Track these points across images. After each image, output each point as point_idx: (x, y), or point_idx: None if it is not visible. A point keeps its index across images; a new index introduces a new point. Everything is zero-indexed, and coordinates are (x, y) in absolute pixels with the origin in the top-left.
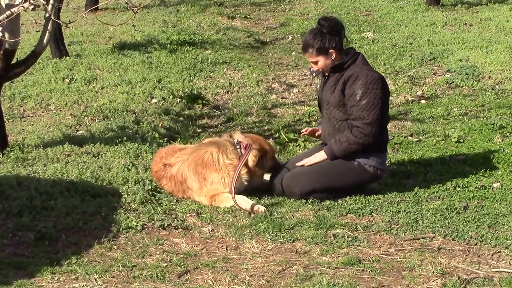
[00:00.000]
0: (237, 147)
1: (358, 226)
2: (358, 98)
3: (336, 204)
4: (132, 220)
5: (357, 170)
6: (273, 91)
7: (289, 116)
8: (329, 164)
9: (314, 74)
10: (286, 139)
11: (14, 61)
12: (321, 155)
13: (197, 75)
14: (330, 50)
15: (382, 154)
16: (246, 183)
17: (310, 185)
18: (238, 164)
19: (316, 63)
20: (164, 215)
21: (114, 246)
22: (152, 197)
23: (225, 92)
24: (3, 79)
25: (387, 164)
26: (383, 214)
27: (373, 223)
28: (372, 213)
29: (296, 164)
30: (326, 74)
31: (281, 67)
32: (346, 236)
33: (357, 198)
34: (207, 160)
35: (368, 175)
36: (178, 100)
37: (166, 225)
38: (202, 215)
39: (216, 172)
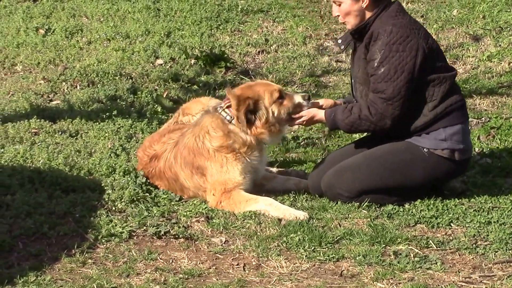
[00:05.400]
0: (219, 111)
1: (430, 241)
2: (376, 64)
3: (402, 210)
4: (116, 225)
5: (426, 160)
6: (326, 51)
7: (345, 86)
8: (387, 153)
9: (341, 46)
10: None
11: None
12: (319, 116)
13: (221, 27)
14: None
15: (459, 127)
16: (255, 163)
17: (361, 184)
18: (229, 136)
19: (339, 4)
20: (160, 219)
21: (89, 260)
22: (147, 194)
23: (258, 52)
24: None
25: (476, 155)
26: (467, 225)
27: (451, 238)
28: (451, 224)
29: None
30: (354, 42)
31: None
32: (412, 255)
33: (431, 202)
34: (193, 147)
35: (444, 164)
36: (193, 61)
37: (162, 232)
38: (214, 221)
39: (209, 161)
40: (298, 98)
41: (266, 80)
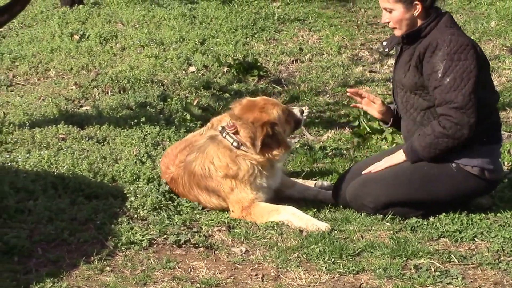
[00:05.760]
0: (224, 135)
1: (452, 255)
2: (440, 75)
3: (426, 223)
4: (136, 233)
5: (455, 175)
6: (360, 61)
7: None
8: (414, 166)
9: (386, 48)
10: (368, 129)
11: None
12: (397, 157)
13: (256, 36)
14: (416, 2)
15: (492, 148)
16: (265, 184)
17: (387, 196)
18: (235, 163)
19: (390, 11)
20: (182, 228)
21: (107, 268)
22: (169, 202)
23: (292, 61)
24: None
25: (504, 167)
26: (491, 240)
27: (474, 253)
28: (475, 238)
29: (363, 173)
30: (400, 45)
31: (375, 28)
32: (433, 269)
33: (456, 216)
34: (202, 174)
35: (472, 181)
36: (225, 69)
37: (182, 241)
38: (235, 230)
39: (219, 185)
40: (298, 114)
41: (264, 96)
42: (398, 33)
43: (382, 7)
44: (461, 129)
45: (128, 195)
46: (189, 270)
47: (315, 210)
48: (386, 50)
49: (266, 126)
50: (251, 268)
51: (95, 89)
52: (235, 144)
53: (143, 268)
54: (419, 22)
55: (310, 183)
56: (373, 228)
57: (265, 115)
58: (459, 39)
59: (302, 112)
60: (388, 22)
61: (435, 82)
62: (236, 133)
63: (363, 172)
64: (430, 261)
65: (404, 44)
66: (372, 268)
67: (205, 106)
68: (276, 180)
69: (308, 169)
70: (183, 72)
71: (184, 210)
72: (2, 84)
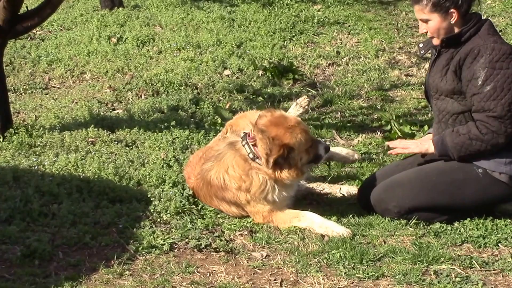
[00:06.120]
0: (243, 143)
1: (474, 261)
2: (480, 82)
3: (450, 228)
4: (158, 237)
5: (481, 181)
6: (397, 65)
7: (412, 101)
8: (439, 171)
9: (422, 50)
10: (399, 133)
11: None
12: (426, 146)
13: (294, 39)
14: (452, 10)
15: None
16: (278, 198)
17: (412, 201)
18: (248, 176)
19: (426, 21)
20: (203, 232)
21: (127, 272)
22: (193, 206)
23: (329, 65)
24: (8, 34)
25: None
26: None
27: (496, 259)
28: (499, 244)
29: (390, 152)
30: (437, 48)
31: (415, 31)
32: (453, 275)
33: (481, 221)
34: (219, 185)
35: (499, 187)
36: (261, 73)
37: (203, 245)
38: (257, 235)
39: (235, 197)
40: (321, 150)
41: (289, 115)
42: (436, 41)
43: (418, 18)
44: (497, 137)
45: (152, 199)
46: (208, 275)
47: (339, 214)
48: (422, 52)
49: (284, 147)
50: (270, 273)
51: (129, 92)
52: (251, 155)
53: (163, 272)
54: (456, 29)
55: (336, 187)
56: (396, 233)
57: (288, 136)
58: (502, 48)
59: (326, 150)
60: (426, 32)
61: (475, 89)
62: (255, 145)
63: (390, 152)
64: (451, 267)
65: (442, 47)
66: (392, 273)
67: (237, 109)
68: (292, 191)
69: (336, 173)
70: (218, 75)
71: (207, 214)
72: (38, 87)
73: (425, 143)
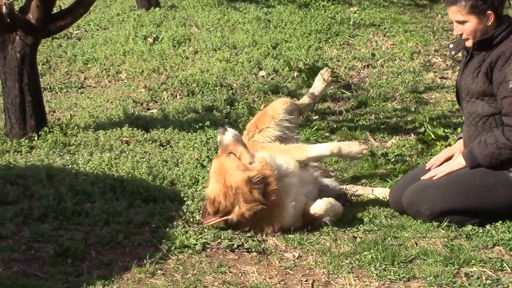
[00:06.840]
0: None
1: (505, 264)
2: (510, 86)
3: (482, 231)
4: (190, 237)
5: (511, 185)
6: (432, 67)
7: (446, 104)
8: (471, 174)
9: (452, 51)
10: (433, 135)
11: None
12: (457, 162)
13: (330, 40)
14: (489, 11)
15: None
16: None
17: (443, 204)
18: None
19: (462, 23)
20: (236, 232)
21: (159, 271)
22: None
23: (364, 66)
24: (40, 33)
25: None
26: None
27: None
28: None
29: (422, 178)
30: (469, 50)
31: (450, 34)
32: (484, 277)
33: None
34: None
35: None
36: (296, 74)
37: (235, 246)
38: (290, 235)
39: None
40: None
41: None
42: (469, 43)
43: (454, 19)
44: None
45: (185, 199)
46: (240, 275)
47: (371, 216)
48: (453, 53)
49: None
50: (302, 274)
51: (164, 92)
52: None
53: (195, 272)
54: (491, 30)
55: (369, 189)
56: (427, 235)
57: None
58: None
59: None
60: (461, 34)
61: (505, 92)
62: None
63: (422, 178)
64: (482, 269)
65: (474, 50)
66: (423, 275)
67: None
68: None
69: (369, 174)
70: (253, 76)
71: None
72: (73, 86)
73: (454, 162)
